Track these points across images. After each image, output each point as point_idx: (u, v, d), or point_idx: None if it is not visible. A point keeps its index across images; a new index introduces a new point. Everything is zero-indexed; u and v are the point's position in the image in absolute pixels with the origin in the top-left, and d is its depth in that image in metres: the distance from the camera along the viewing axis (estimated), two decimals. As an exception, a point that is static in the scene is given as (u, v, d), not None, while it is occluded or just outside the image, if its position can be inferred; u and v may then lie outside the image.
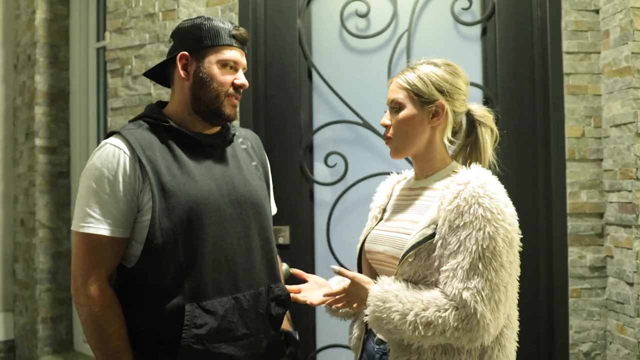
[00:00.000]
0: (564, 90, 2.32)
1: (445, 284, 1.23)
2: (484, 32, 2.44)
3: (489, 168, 1.42)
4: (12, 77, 3.66)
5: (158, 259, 1.33)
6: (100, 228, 1.32)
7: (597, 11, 2.32)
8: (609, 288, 2.27)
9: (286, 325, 1.63)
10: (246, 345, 1.39)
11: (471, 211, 1.22)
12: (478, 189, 1.24)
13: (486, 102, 2.39)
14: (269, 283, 1.47)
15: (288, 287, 1.54)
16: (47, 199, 3.30)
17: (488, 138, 1.45)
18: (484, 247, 1.20)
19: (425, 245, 1.28)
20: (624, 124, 2.16)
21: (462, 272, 1.20)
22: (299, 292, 1.56)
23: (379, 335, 1.43)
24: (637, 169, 2.11)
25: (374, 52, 2.51)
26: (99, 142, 1.32)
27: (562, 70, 2.32)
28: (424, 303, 1.21)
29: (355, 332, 1.55)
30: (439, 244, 1.26)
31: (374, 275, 1.50)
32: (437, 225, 1.27)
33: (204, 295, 1.34)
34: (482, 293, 1.18)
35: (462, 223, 1.23)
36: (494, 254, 1.20)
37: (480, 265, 1.19)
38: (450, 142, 1.42)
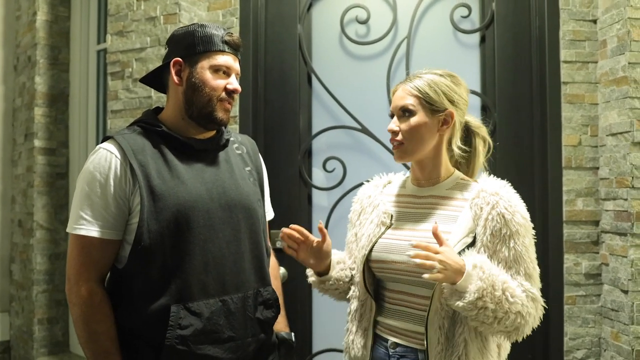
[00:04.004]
0: (562, 99, 2.33)
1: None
2: (482, 40, 2.45)
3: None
4: (11, 78, 3.67)
5: (145, 260, 1.35)
6: (91, 230, 1.35)
7: (594, 21, 2.34)
8: (604, 295, 2.28)
9: (282, 326, 1.63)
10: (232, 348, 1.40)
11: (515, 220, 1.32)
12: (511, 199, 1.35)
13: (484, 109, 2.40)
14: (258, 287, 1.48)
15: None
16: (45, 200, 3.30)
17: (481, 148, 1.52)
18: (530, 251, 1.34)
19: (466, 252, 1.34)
20: (620, 133, 2.18)
21: (526, 276, 1.32)
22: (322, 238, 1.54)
23: (393, 339, 1.42)
24: (632, 177, 2.12)
25: (374, 58, 2.53)
26: (97, 144, 1.35)
27: (559, 79, 2.34)
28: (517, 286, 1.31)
29: (359, 341, 1.49)
30: (481, 250, 1.33)
31: (377, 285, 1.50)
32: (475, 234, 1.35)
33: (190, 297, 1.36)
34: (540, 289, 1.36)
35: (508, 232, 1.32)
36: (533, 255, 1.36)
37: (534, 268, 1.35)
38: (460, 149, 1.46)
